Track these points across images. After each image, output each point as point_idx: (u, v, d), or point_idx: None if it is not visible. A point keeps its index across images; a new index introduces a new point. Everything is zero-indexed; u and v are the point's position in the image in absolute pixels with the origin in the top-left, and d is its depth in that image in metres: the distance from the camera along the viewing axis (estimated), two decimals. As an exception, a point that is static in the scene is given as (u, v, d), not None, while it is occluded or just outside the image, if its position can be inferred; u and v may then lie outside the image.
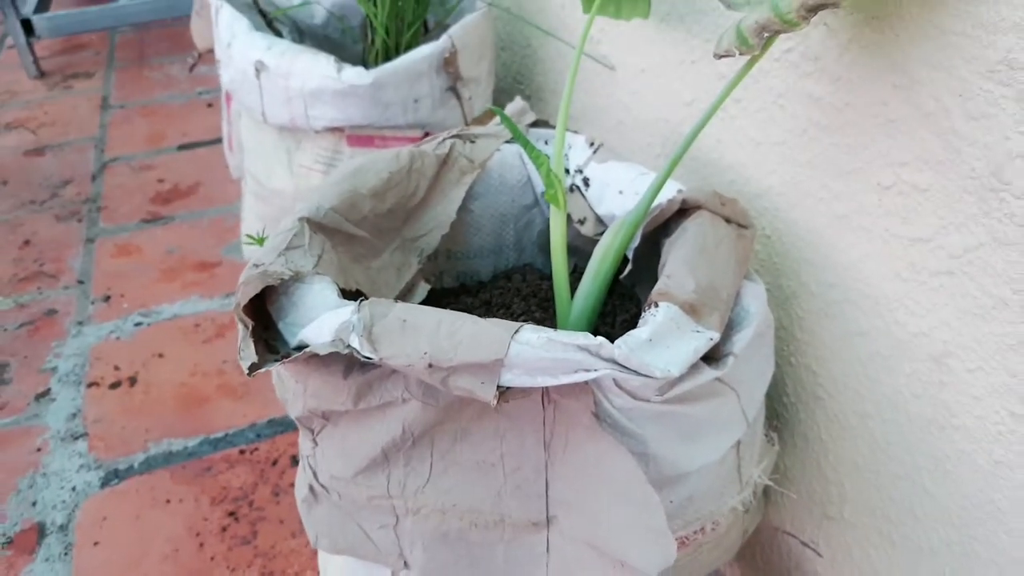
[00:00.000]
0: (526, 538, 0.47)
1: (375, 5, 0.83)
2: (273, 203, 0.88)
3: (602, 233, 0.55)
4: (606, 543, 0.44)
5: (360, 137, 0.81)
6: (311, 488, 0.51)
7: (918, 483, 0.50)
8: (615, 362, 0.41)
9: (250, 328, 0.44)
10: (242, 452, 0.95)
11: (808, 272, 0.55)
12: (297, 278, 0.46)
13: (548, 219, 0.64)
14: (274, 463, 0.93)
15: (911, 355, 0.48)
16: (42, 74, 1.90)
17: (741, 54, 0.45)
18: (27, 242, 1.33)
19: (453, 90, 0.80)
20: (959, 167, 0.42)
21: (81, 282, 1.23)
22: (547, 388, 0.44)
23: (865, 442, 0.53)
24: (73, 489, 0.91)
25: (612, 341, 0.41)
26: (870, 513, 0.55)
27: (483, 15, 0.85)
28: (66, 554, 0.84)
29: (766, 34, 0.43)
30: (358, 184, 0.53)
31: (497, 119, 0.64)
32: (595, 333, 0.43)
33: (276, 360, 0.44)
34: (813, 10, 0.41)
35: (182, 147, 1.58)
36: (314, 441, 0.50)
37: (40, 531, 0.87)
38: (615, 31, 0.74)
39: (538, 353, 0.40)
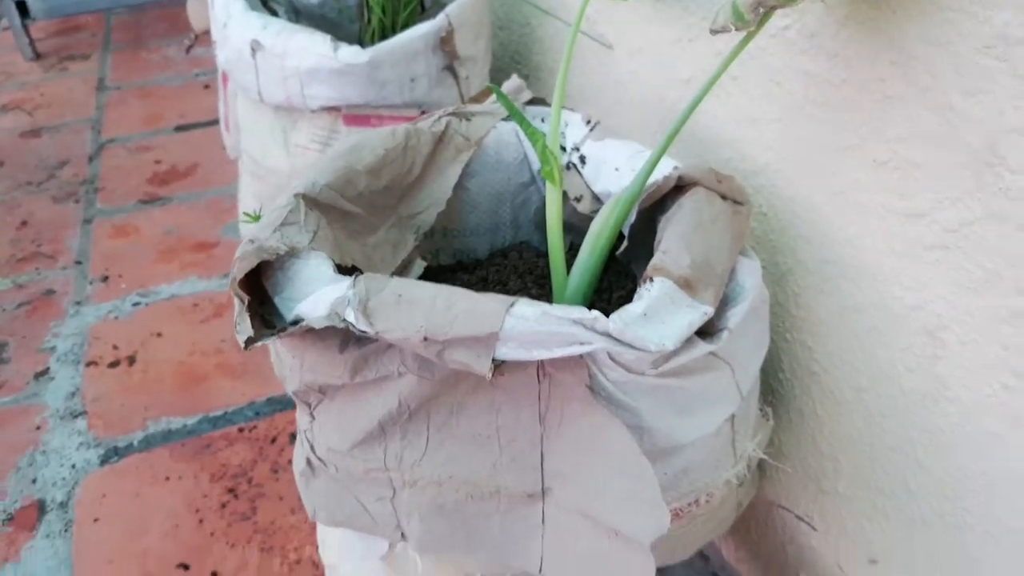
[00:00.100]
0: (522, 509, 0.47)
1: (372, -17, 0.83)
2: (270, 182, 0.88)
3: (598, 211, 0.56)
4: (601, 513, 0.45)
5: (356, 116, 0.81)
6: (308, 462, 0.51)
7: (912, 456, 0.50)
8: (610, 335, 0.41)
9: (246, 303, 0.45)
10: (241, 430, 0.95)
11: (804, 249, 0.55)
12: (293, 253, 0.46)
13: (544, 197, 0.64)
14: (273, 440, 0.94)
15: (906, 329, 0.48)
16: (38, 56, 1.89)
17: (737, 30, 0.45)
18: (24, 223, 1.33)
19: (450, 69, 0.80)
20: (955, 142, 0.42)
21: (79, 262, 1.23)
22: (542, 362, 0.45)
23: (860, 416, 0.54)
24: (73, 467, 0.92)
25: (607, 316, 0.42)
26: (864, 486, 0.55)
27: (480, -7, 0.85)
28: (66, 531, 0.85)
29: (762, 9, 0.43)
30: (353, 161, 0.53)
31: (494, 97, 0.64)
32: (591, 309, 0.43)
33: (272, 334, 0.44)
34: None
35: (179, 128, 1.58)
36: (311, 415, 0.50)
37: (40, 508, 0.87)
38: (612, 10, 0.74)
39: (533, 326, 0.41)
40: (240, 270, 0.44)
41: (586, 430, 0.44)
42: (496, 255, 0.66)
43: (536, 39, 0.95)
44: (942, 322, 0.45)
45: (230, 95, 0.96)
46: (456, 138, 0.59)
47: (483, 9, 0.85)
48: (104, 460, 0.92)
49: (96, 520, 0.86)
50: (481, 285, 0.63)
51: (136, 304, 1.15)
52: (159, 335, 1.09)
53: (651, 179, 0.53)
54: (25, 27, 1.83)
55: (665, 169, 0.54)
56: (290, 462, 0.92)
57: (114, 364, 1.05)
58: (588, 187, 0.60)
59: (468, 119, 0.61)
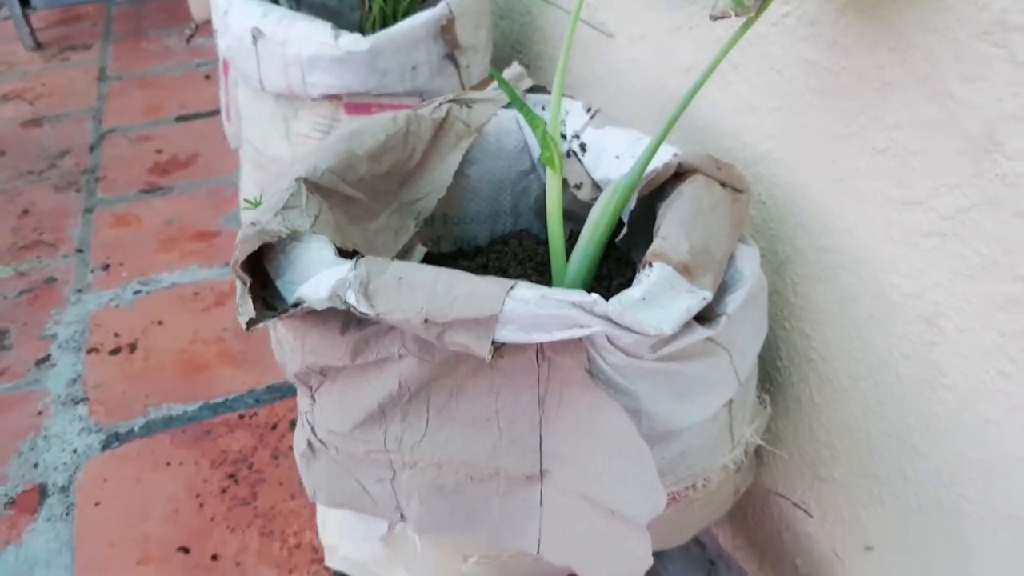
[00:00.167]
0: (520, 491, 0.47)
1: (373, -29, 0.83)
2: (271, 171, 0.88)
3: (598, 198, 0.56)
4: (598, 495, 0.45)
5: (358, 105, 0.81)
6: (309, 443, 0.52)
7: (908, 443, 0.51)
8: (609, 319, 0.41)
9: (248, 285, 0.45)
10: (241, 417, 0.96)
11: (803, 237, 0.56)
12: (294, 236, 0.47)
13: (545, 185, 0.64)
14: (273, 427, 0.94)
15: (903, 317, 0.48)
16: (39, 46, 1.89)
17: (737, 15, 0.45)
18: (26, 211, 1.33)
19: (451, 58, 0.80)
20: (953, 129, 0.42)
21: (80, 251, 1.24)
22: (541, 345, 0.45)
23: (857, 404, 0.54)
24: (74, 452, 0.92)
25: (607, 301, 0.42)
26: (861, 473, 0.56)
27: (482, -18, 0.85)
28: (68, 514, 0.85)
29: (762, -6, 0.43)
30: (355, 146, 0.54)
31: (495, 84, 0.64)
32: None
33: (273, 316, 0.45)
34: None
35: (180, 118, 1.58)
36: (312, 398, 0.51)
37: (42, 492, 0.88)
38: (614, -2, 0.74)
39: (533, 309, 0.41)
40: (242, 252, 0.45)
41: (585, 413, 0.45)
42: (496, 242, 0.67)
43: (537, 28, 0.95)
44: (939, 309, 0.46)
45: (231, 84, 0.96)
46: (457, 125, 0.60)
47: (484, -2, 0.85)
48: (105, 445, 0.93)
49: (97, 504, 0.86)
50: (481, 272, 0.64)
51: (137, 292, 1.15)
52: (160, 323, 1.10)
53: (651, 166, 0.53)
54: (26, 17, 1.83)
55: (665, 156, 0.54)
56: (290, 448, 0.92)
57: (115, 351, 1.06)
58: (588, 175, 0.60)
59: (469, 106, 0.61)
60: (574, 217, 0.63)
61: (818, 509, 0.61)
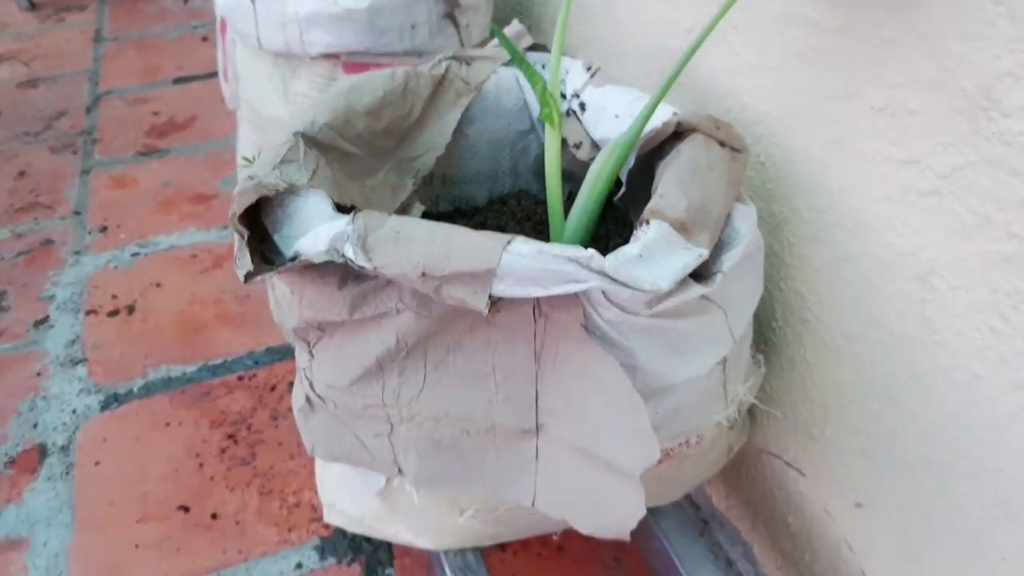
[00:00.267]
0: (516, 445, 0.48)
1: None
2: (269, 131, 0.87)
3: (597, 158, 0.56)
4: (593, 447, 0.46)
5: (356, 65, 0.80)
6: (308, 398, 0.52)
7: (899, 401, 0.51)
8: (605, 274, 0.42)
9: (246, 238, 0.45)
10: (240, 378, 0.96)
11: (800, 198, 0.56)
12: (292, 191, 0.47)
13: (544, 144, 0.64)
14: (272, 388, 0.95)
15: (897, 275, 0.49)
16: (33, 6, 1.87)
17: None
18: (22, 173, 1.33)
19: (451, 17, 0.80)
20: (951, 87, 0.42)
21: (77, 213, 1.24)
22: (538, 301, 0.45)
23: (850, 363, 0.55)
24: (73, 412, 0.93)
25: (604, 258, 0.42)
26: (852, 432, 0.56)
27: (482, -59, 0.84)
28: (67, 473, 0.86)
29: (764, -51, 0.43)
30: (353, 101, 0.53)
31: (495, 42, 0.64)
32: (587, 250, 0.43)
33: (271, 269, 0.45)
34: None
35: (177, 80, 1.57)
36: (310, 353, 0.51)
37: (42, 451, 0.89)
38: (615, -43, 0.73)
39: (529, 263, 0.41)
40: (239, 205, 0.45)
41: (580, 367, 0.45)
42: (495, 202, 0.67)
43: (538, -10, 0.94)
44: (933, 268, 0.46)
45: (229, 44, 0.95)
46: (456, 82, 0.60)
47: (485, -43, 0.84)
48: (104, 406, 0.94)
49: (97, 463, 0.87)
50: (480, 230, 0.64)
51: (135, 254, 1.15)
52: (158, 285, 1.10)
53: (650, 125, 0.53)
54: (20, -24, 1.81)
55: (664, 115, 0.54)
56: (289, 410, 0.93)
57: (113, 313, 1.06)
58: (588, 134, 0.60)
59: (468, 63, 0.61)
60: (573, 177, 0.63)
61: (810, 468, 0.62)
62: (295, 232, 0.46)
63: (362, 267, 0.43)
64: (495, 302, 0.43)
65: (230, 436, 0.90)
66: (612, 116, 0.58)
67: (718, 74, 0.61)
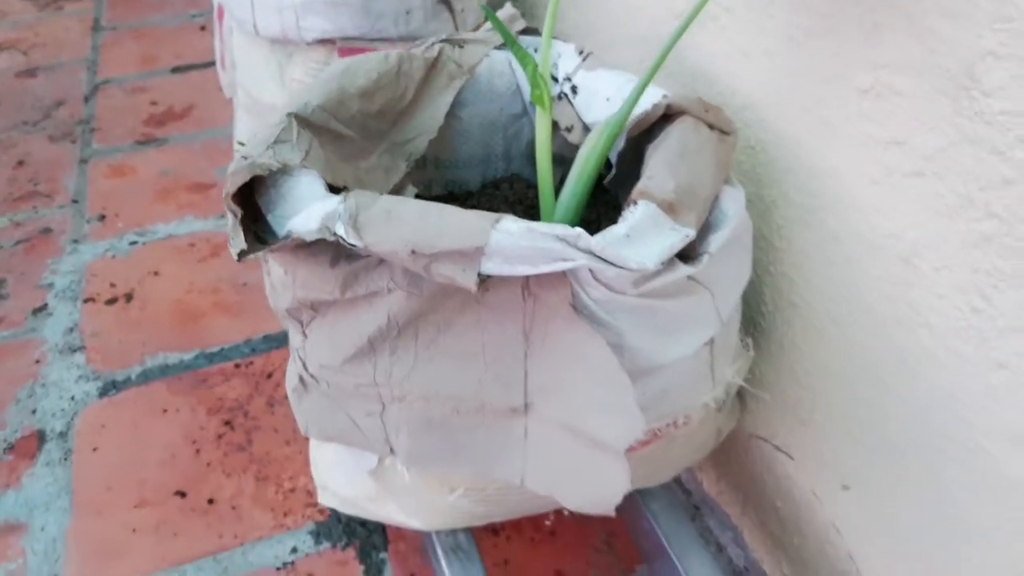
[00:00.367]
0: (505, 423, 0.49)
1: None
2: (265, 117, 0.88)
3: (589, 142, 0.56)
4: (580, 424, 0.47)
5: (351, 50, 0.81)
6: (301, 379, 0.53)
7: (885, 382, 0.52)
8: (592, 253, 0.42)
9: (239, 216, 0.46)
10: (237, 365, 0.97)
11: (789, 181, 0.56)
12: (285, 171, 0.47)
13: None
14: (269, 376, 0.95)
15: (882, 257, 0.49)
16: (32, -5, 1.87)
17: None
18: (21, 162, 1.33)
19: (445, 2, 0.80)
20: (934, 67, 0.43)
21: (76, 201, 1.24)
22: (527, 281, 0.46)
23: (837, 346, 0.55)
24: (72, 399, 0.93)
25: (593, 242, 0.43)
26: (839, 415, 0.57)
27: (477, -72, 0.84)
28: (66, 459, 0.87)
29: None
30: (346, 83, 0.54)
31: (487, 25, 0.64)
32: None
33: (264, 248, 0.46)
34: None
35: (175, 70, 1.57)
36: (303, 334, 0.52)
37: (40, 438, 0.89)
38: (609, -55, 0.74)
39: (518, 242, 0.42)
40: (233, 184, 0.45)
41: (568, 346, 0.46)
42: (488, 186, 0.67)
43: (533, -21, 0.95)
44: (916, 249, 0.46)
45: (226, 31, 0.96)
46: (449, 65, 0.60)
47: (480, -56, 0.84)
48: (103, 393, 0.94)
49: (95, 449, 0.88)
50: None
51: (133, 243, 1.16)
52: (156, 273, 1.10)
53: (641, 108, 0.54)
54: (19, -34, 1.81)
55: (654, 98, 0.54)
56: (286, 397, 0.93)
57: (112, 301, 1.06)
58: (579, 117, 0.60)
59: (461, 46, 0.61)
60: (565, 161, 0.63)
61: (799, 451, 0.63)
62: (288, 212, 0.47)
63: (353, 245, 0.43)
64: (484, 280, 0.43)
65: (227, 423, 0.90)
66: (603, 99, 0.58)
67: (710, 59, 0.62)
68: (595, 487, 0.48)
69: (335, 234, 0.43)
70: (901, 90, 0.45)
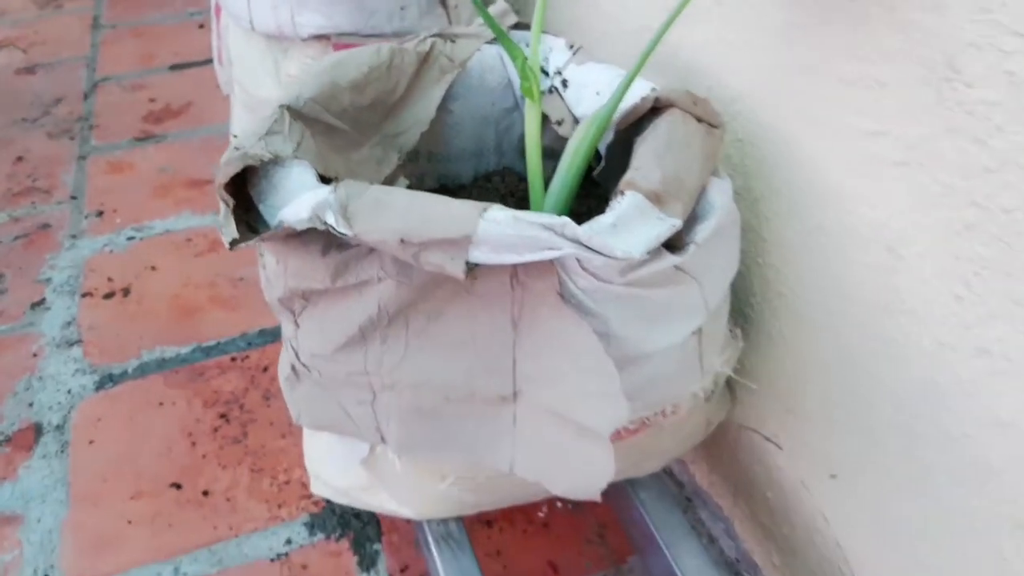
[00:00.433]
0: (495, 411, 0.49)
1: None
2: (261, 112, 0.88)
3: (579, 135, 0.57)
4: (566, 410, 0.47)
5: (346, 46, 0.81)
6: (293, 368, 0.53)
7: (870, 371, 0.52)
8: (578, 241, 0.43)
9: (231, 206, 0.46)
10: (233, 359, 0.98)
11: (776, 173, 0.57)
12: (276, 161, 0.48)
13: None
14: (264, 369, 0.96)
15: (868, 246, 0.50)
16: (32, -7, 1.88)
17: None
18: (20, 158, 1.34)
19: (440, -2, 0.81)
20: (916, 58, 0.43)
21: (74, 197, 1.25)
22: (515, 270, 0.46)
23: (824, 335, 0.56)
24: (69, 392, 0.94)
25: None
26: (828, 405, 0.58)
27: (472, -75, 0.84)
28: (62, 451, 0.87)
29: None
30: (338, 76, 0.55)
31: (479, 20, 0.65)
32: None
33: (256, 237, 0.46)
34: None
35: (174, 67, 1.58)
36: (295, 323, 0.52)
37: (37, 430, 0.90)
38: (601, -59, 0.74)
39: (505, 230, 0.42)
40: (225, 174, 0.46)
41: (556, 334, 0.46)
42: (480, 179, 0.68)
43: (528, -25, 0.95)
44: (901, 237, 0.47)
45: (223, 28, 0.96)
46: (440, 59, 0.61)
47: (474, -59, 0.85)
48: (99, 386, 0.95)
49: (91, 442, 0.88)
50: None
51: (131, 238, 1.16)
52: (153, 268, 1.11)
53: (629, 102, 0.54)
54: (19, -36, 1.81)
55: (643, 91, 0.55)
56: (281, 390, 0.94)
57: (109, 295, 1.07)
58: (570, 111, 0.61)
59: (453, 41, 0.62)
60: (555, 155, 0.64)
61: (787, 441, 0.63)
62: (279, 202, 0.48)
63: (343, 234, 0.44)
64: (472, 269, 0.44)
65: (222, 415, 0.91)
66: (593, 93, 0.59)
67: (699, 53, 0.62)
68: (581, 473, 0.48)
69: (325, 223, 0.44)
70: (885, 81, 0.46)
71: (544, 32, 0.63)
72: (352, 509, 0.81)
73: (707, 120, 0.54)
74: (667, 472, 0.83)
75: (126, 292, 1.07)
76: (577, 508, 0.80)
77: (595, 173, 0.59)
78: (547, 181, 0.57)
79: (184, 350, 0.99)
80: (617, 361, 0.47)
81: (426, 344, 0.49)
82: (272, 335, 1.01)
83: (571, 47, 0.61)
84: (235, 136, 0.63)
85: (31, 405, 0.93)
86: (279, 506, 0.82)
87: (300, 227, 0.44)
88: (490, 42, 0.64)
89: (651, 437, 0.54)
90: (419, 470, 0.55)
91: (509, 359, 0.48)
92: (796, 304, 0.58)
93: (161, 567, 0.77)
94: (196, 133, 1.38)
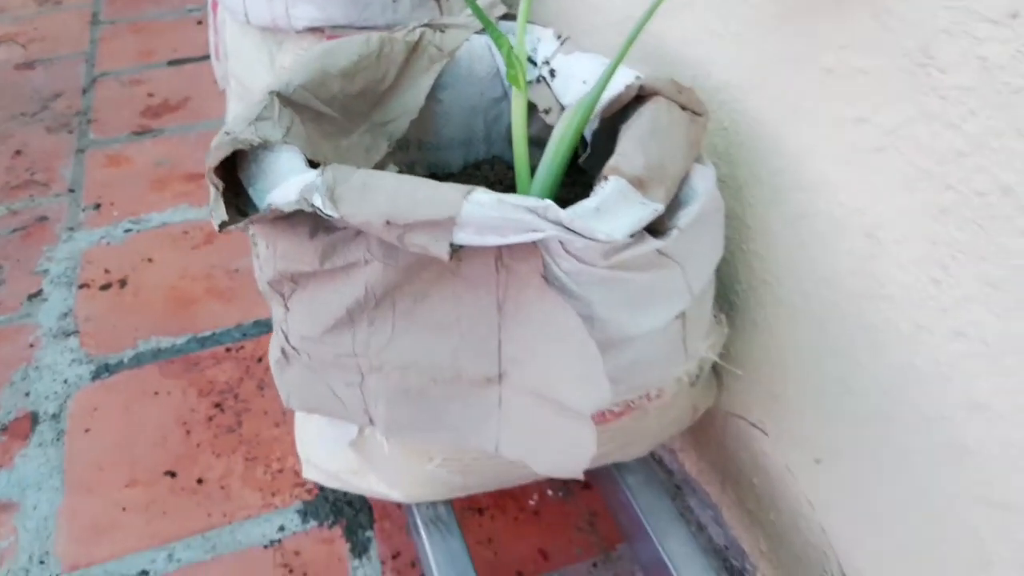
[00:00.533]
0: (480, 392, 0.50)
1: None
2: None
3: (567, 123, 0.57)
4: (550, 391, 0.48)
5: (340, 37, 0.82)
6: (283, 351, 0.54)
7: (851, 356, 0.53)
8: (561, 224, 0.44)
9: (220, 189, 0.47)
10: (228, 350, 0.98)
11: (760, 161, 0.58)
12: (266, 146, 0.49)
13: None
14: (259, 360, 0.97)
15: (848, 233, 0.51)
16: (32, -11, 1.89)
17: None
18: (18, 152, 1.34)
19: (432, -9, 0.81)
20: (893, 45, 0.44)
21: (72, 191, 1.26)
22: (500, 253, 0.47)
23: (806, 321, 0.57)
24: (65, 382, 0.95)
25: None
26: (811, 390, 0.58)
27: (465, -81, 0.85)
28: (58, 440, 0.88)
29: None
30: (328, 64, 0.55)
31: (468, 11, 0.66)
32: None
33: (245, 220, 0.47)
34: None
35: (171, 63, 1.59)
36: (285, 307, 0.53)
37: (33, 419, 0.91)
38: (592, -66, 0.75)
39: (489, 212, 0.43)
40: (214, 158, 0.47)
41: (540, 316, 0.47)
42: (469, 168, 0.69)
43: (521, -30, 0.96)
44: (879, 222, 0.48)
45: (220, 22, 0.97)
46: (429, 48, 0.61)
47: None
48: (95, 376, 0.96)
49: (87, 431, 0.89)
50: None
51: (128, 231, 1.17)
52: (150, 260, 1.12)
53: (615, 90, 0.55)
54: (18, -39, 1.82)
55: (627, 79, 0.56)
56: (275, 380, 0.95)
57: (106, 287, 1.08)
58: (557, 100, 0.62)
59: (442, 31, 0.62)
60: (543, 144, 0.65)
61: (773, 427, 0.64)
62: (268, 186, 0.48)
63: (330, 216, 0.45)
64: (456, 251, 0.45)
65: (217, 405, 0.92)
66: (580, 82, 0.59)
67: (684, 42, 0.63)
68: (564, 452, 0.49)
69: (313, 205, 0.45)
70: (863, 68, 0.46)
71: (532, 23, 0.64)
72: (345, 496, 0.82)
73: (691, 108, 0.54)
74: (656, 460, 0.84)
75: (123, 284, 1.08)
76: (567, 496, 0.81)
77: (581, 160, 0.59)
78: (534, 169, 0.58)
79: (180, 341, 1.00)
80: (600, 343, 0.48)
81: (412, 326, 0.50)
82: (267, 326, 1.02)
83: (559, 37, 0.62)
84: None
85: (28, 394, 0.94)
86: (272, 494, 0.83)
87: (288, 209, 0.45)
88: (479, 32, 0.65)
89: (636, 420, 0.55)
90: (406, 451, 0.55)
91: (494, 341, 0.49)
92: (780, 291, 0.59)
93: (155, 553, 0.77)
94: (193, 128, 1.39)
